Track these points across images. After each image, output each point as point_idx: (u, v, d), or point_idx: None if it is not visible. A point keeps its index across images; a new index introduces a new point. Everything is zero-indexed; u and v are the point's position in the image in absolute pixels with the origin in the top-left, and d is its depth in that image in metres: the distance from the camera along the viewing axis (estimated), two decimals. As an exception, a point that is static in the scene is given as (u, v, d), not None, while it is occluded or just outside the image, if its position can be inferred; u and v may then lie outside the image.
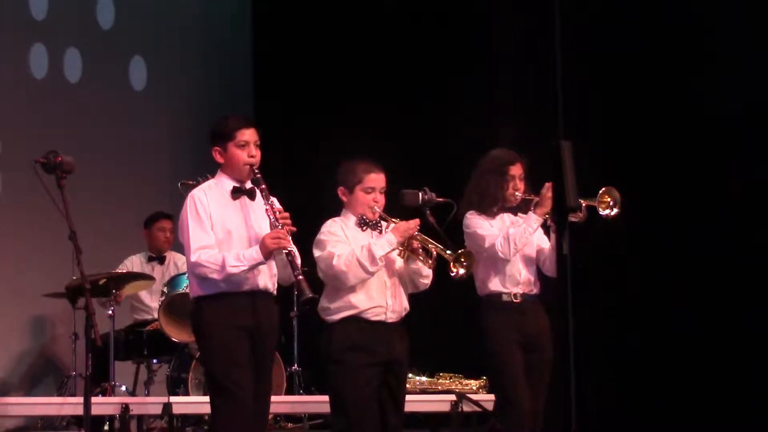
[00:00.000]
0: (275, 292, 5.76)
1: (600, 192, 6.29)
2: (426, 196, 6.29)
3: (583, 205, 6.15)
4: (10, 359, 9.83)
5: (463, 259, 5.94)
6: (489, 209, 6.50)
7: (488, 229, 6.45)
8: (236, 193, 5.70)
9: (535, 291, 6.52)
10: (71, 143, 9.22)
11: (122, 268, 9.25)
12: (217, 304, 5.59)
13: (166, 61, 10.90)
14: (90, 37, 10.49)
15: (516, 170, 6.51)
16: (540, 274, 6.54)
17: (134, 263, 9.46)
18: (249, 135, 5.69)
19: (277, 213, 5.59)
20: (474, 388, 8.40)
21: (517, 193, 6.49)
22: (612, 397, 9.11)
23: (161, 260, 9.50)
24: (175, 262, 9.40)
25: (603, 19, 9.15)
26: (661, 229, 8.97)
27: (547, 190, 6.31)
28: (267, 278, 5.67)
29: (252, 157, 5.67)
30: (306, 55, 10.70)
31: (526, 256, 6.49)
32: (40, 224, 9.03)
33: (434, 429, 8.53)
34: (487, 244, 6.39)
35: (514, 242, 6.35)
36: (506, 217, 6.55)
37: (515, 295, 6.45)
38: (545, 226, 6.46)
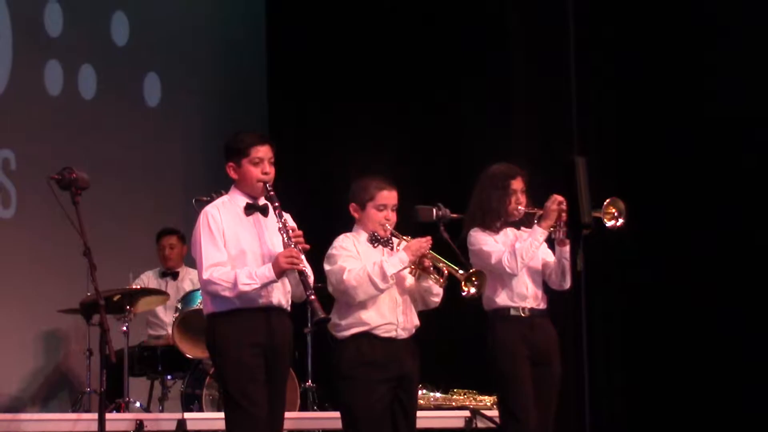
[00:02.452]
0: (289, 308, 5.77)
1: (605, 203, 6.27)
2: (440, 212, 6.30)
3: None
4: (24, 375, 9.83)
5: (474, 279, 5.95)
6: (492, 224, 6.48)
7: (493, 245, 6.43)
8: (249, 209, 5.71)
9: (542, 305, 6.51)
10: (86, 159, 9.21)
11: (137, 284, 9.26)
12: (230, 321, 5.60)
13: (180, 77, 10.91)
14: (104, 54, 10.51)
15: (517, 184, 6.49)
16: (546, 288, 6.53)
17: (149, 279, 9.47)
18: (263, 152, 5.71)
19: (290, 231, 5.61)
20: (488, 404, 8.37)
21: (519, 207, 6.47)
22: (624, 407, 9.09)
23: (174, 276, 9.51)
24: (191, 278, 9.40)
25: (616, 33, 9.13)
26: (672, 236, 8.93)
27: (552, 202, 6.31)
28: (281, 294, 5.67)
29: (266, 174, 5.69)
30: (320, 69, 10.70)
31: (533, 270, 6.47)
32: (54, 240, 9.04)
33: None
34: (493, 261, 6.37)
35: (521, 257, 6.33)
36: (510, 232, 6.53)
37: (523, 309, 6.44)
38: (548, 239, 6.44)
